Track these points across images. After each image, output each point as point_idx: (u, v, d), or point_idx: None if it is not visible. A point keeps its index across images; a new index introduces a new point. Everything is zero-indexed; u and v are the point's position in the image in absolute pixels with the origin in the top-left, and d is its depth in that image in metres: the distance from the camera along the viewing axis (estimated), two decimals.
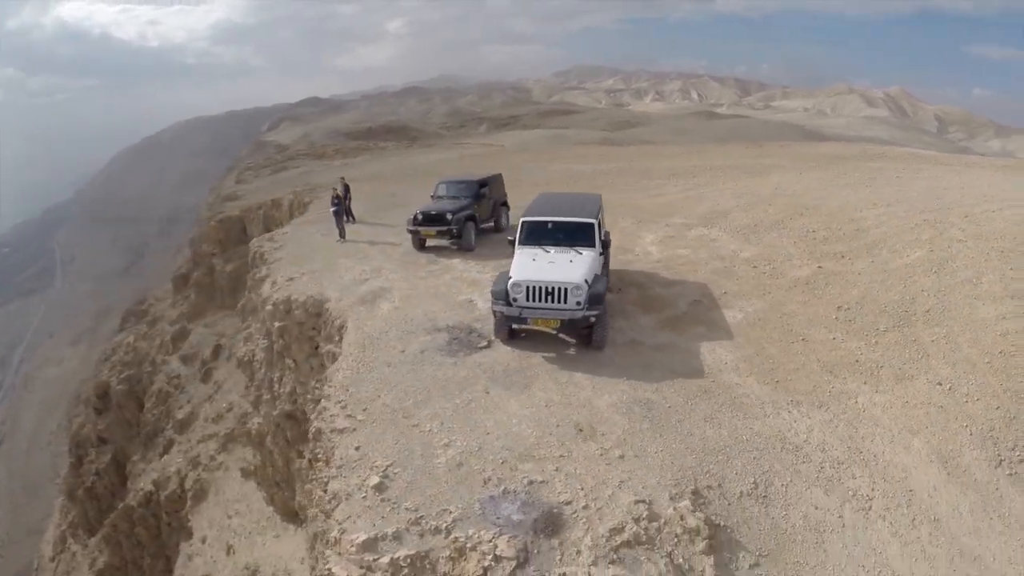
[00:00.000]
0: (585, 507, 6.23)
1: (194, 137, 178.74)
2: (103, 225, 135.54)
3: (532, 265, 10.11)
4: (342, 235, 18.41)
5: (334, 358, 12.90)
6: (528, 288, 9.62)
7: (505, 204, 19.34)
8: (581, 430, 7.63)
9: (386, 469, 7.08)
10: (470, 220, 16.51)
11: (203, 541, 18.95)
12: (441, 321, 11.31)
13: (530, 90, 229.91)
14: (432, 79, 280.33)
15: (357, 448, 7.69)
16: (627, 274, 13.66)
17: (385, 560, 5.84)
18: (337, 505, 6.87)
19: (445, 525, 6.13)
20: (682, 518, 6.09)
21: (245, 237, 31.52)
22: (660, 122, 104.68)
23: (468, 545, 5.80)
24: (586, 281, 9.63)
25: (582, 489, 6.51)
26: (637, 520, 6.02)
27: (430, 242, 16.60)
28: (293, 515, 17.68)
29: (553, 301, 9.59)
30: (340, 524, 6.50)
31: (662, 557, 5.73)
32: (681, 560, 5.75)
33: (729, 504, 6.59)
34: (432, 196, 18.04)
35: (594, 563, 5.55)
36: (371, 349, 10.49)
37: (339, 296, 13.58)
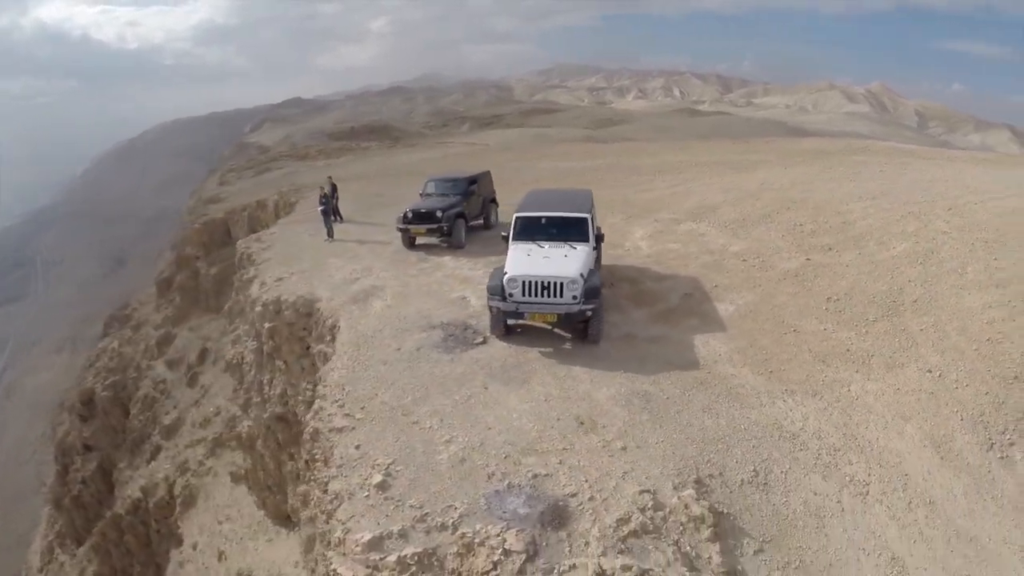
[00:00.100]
0: (591, 498, 6.26)
1: (176, 139, 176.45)
2: (85, 230, 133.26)
3: (527, 260, 10.12)
4: (330, 234, 18.29)
5: (326, 358, 12.80)
6: (524, 283, 9.64)
7: (494, 201, 19.35)
8: (582, 423, 7.66)
9: (388, 467, 7.04)
10: (460, 217, 16.49)
11: (194, 548, 18.71)
12: (435, 318, 11.29)
13: (512, 89, 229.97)
14: (415, 78, 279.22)
15: (357, 447, 7.63)
16: (618, 269, 13.73)
17: (392, 559, 5.80)
18: (339, 505, 6.80)
19: (451, 521, 6.10)
20: (686, 506, 6.15)
21: (229, 239, 31.17)
22: (643, 120, 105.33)
23: (476, 540, 5.79)
24: (581, 275, 9.67)
25: (586, 481, 6.54)
26: (643, 510, 6.06)
27: (420, 240, 16.56)
28: (286, 519, 17.51)
29: (549, 296, 9.62)
30: (343, 524, 6.44)
31: (669, 545, 5.77)
32: (688, 548, 5.81)
33: (731, 492, 6.66)
34: (421, 194, 17.99)
35: (603, 553, 5.58)
36: (366, 348, 10.43)
37: (330, 295, 13.49)
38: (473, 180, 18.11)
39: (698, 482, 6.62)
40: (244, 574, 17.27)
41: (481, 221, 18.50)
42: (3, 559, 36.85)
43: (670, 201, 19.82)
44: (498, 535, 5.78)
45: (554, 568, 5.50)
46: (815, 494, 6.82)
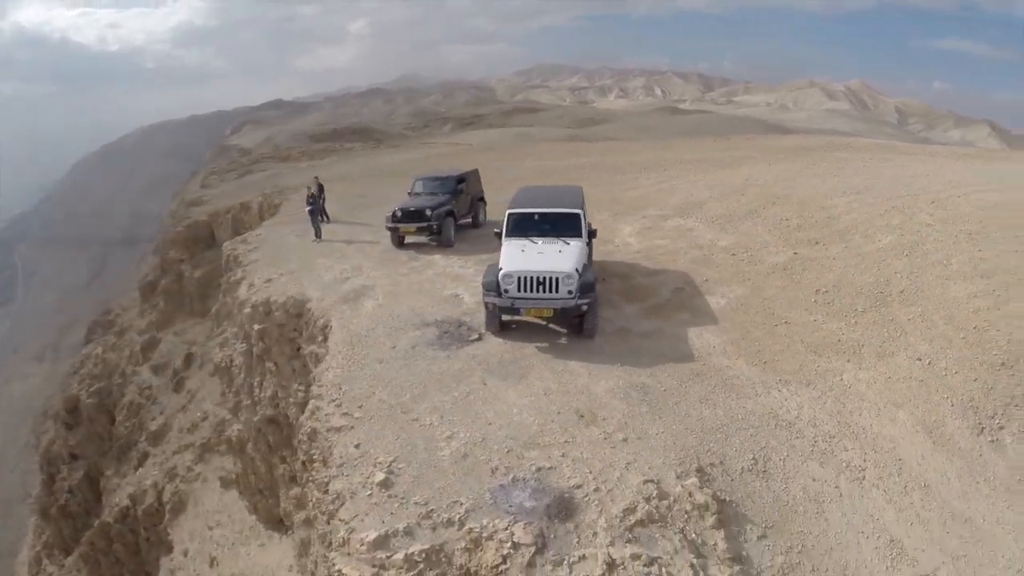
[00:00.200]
0: (596, 490, 6.30)
1: (156, 142, 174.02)
2: (66, 236, 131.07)
3: (522, 256, 10.15)
4: (318, 235, 18.17)
5: (318, 359, 12.70)
6: (519, 279, 9.66)
7: (482, 200, 19.34)
8: (582, 416, 7.70)
9: (390, 465, 7.01)
10: (449, 216, 16.47)
11: (185, 555, 18.45)
12: (429, 316, 11.27)
13: (494, 89, 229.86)
14: (395, 79, 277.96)
15: (357, 446, 7.59)
16: (609, 265, 13.80)
17: (399, 556, 5.77)
18: (342, 505, 6.75)
19: (458, 517, 6.10)
20: (690, 495, 6.22)
21: (214, 242, 30.79)
22: (624, 119, 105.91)
23: (484, 535, 5.79)
24: (576, 270, 9.72)
25: (590, 473, 6.58)
26: (648, 499, 6.11)
27: (409, 239, 16.52)
28: (278, 523, 17.33)
29: (545, 291, 9.65)
30: (347, 524, 6.39)
31: (675, 533, 5.83)
32: (694, 535, 5.87)
33: (732, 480, 6.75)
34: (409, 193, 17.93)
35: (611, 543, 5.62)
36: (360, 347, 10.38)
37: (321, 296, 13.40)
38: (461, 179, 18.10)
39: (700, 471, 6.70)
40: None
41: (470, 220, 18.49)
42: None
43: (656, 198, 19.95)
44: (506, 529, 5.79)
45: (564, 559, 5.53)
46: (813, 480, 6.93)
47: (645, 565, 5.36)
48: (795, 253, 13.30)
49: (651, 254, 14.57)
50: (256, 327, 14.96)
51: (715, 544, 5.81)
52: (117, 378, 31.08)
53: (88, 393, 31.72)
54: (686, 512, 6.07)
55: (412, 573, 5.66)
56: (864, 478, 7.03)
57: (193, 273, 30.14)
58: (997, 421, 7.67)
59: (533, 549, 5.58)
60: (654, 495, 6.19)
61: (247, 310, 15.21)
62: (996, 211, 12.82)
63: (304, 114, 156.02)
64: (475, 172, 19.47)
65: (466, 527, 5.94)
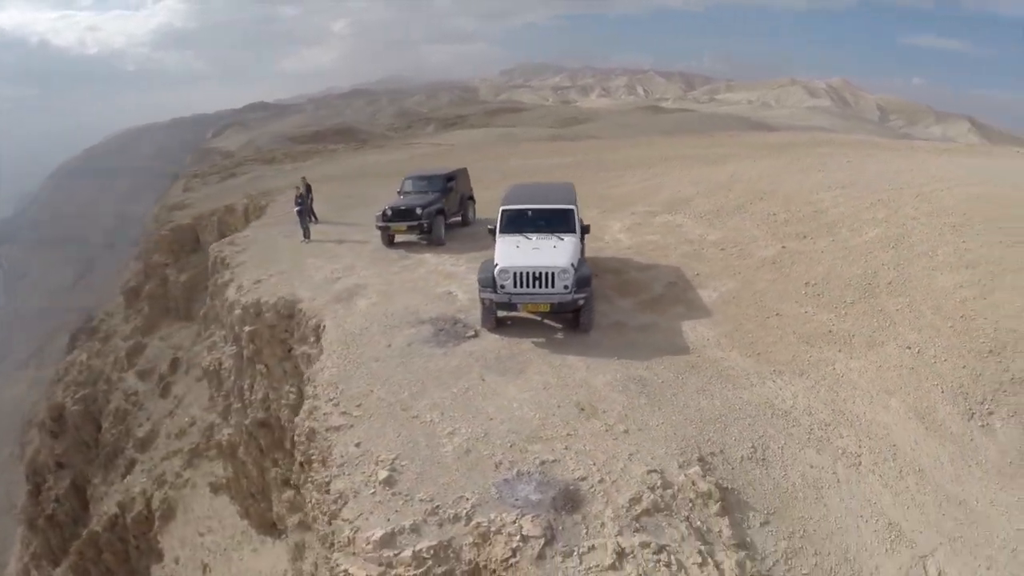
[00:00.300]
0: (600, 481, 6.34)
1: (138, 146, 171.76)
2: (48, 242, 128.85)
3: (517, 252, 10.19)
4: (307, 235, 18.05)
5: (310, 360, 12.63)
6: (515, 274, 9.69)
7: (471, 198, 19.34)
8: (583, 409, 7.75)
9: (392, 462, 6.99)
10: (440, 214, 16.46)
11: (176, 562, 18.23)
12: (423, 314, 11.25)
13: (476, 89, 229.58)
14: (377, 80, 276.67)
15: (357, 444, 7.56)
16: (601, 260, 13.88)
17: (407, 554, 5.75)
18: (344, 504, 6.69)
19: (464, 512, 6.10)
20: (694, 483, 6.29)
21: (198, 245, 30.45)
22: (607, 118, 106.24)
23: (492, 529, 5.80)
24: (572, 265, 9.78)
25: (594, 464, 6.62)
26: (652, 489, 6.18)
27: (400, 238, 16.48)
28: (271, 527, 17.18)
29: (541, 286, 9.70)
30: (351, 523, 6.34)
31: (681, 521, 5.90)
32: (699, 523, 5.94)
33: (733, 468, 6.84)
34: (399, 192, 17.89)
35: (620, 533, 5.66)
36: (355, 346, 10.34)
37: (312, 296, 13.31)
38: (451, 177, 18.09)
39: (701, 460, 6.79)
40: None
41: (459, 218, 18.48)
42: None
43: (643, 194, 20.09)
44: (514, 522, 5.80)
45: (574, 550, 5.56)
46: (811, 467, 7.04)
47: (654, 553, 5.42)
48: (783, 247, 13.46)
49: (642, 250, 14.68)
50: (246, 329, 14.80)
51: (720, 531, 5.89)
52: (102, 385, 30.61)
53: (73, 400, 31.22)
54: (690, 500, 6.15)
55: (420, 570, 5.65)
56: (860, 464, 7.16)
57: (178, 277, 29.78)
58: (987, 407, 7.85)
59: (542, 541, 5.60)
60: (658, 484, 6.25)
61: (237, 312, 15.05)
62: (979, 203, 13.08)
63: (286, 116, 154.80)
64: (464, 171, 19.47)
65: (473, 522, 5.94)
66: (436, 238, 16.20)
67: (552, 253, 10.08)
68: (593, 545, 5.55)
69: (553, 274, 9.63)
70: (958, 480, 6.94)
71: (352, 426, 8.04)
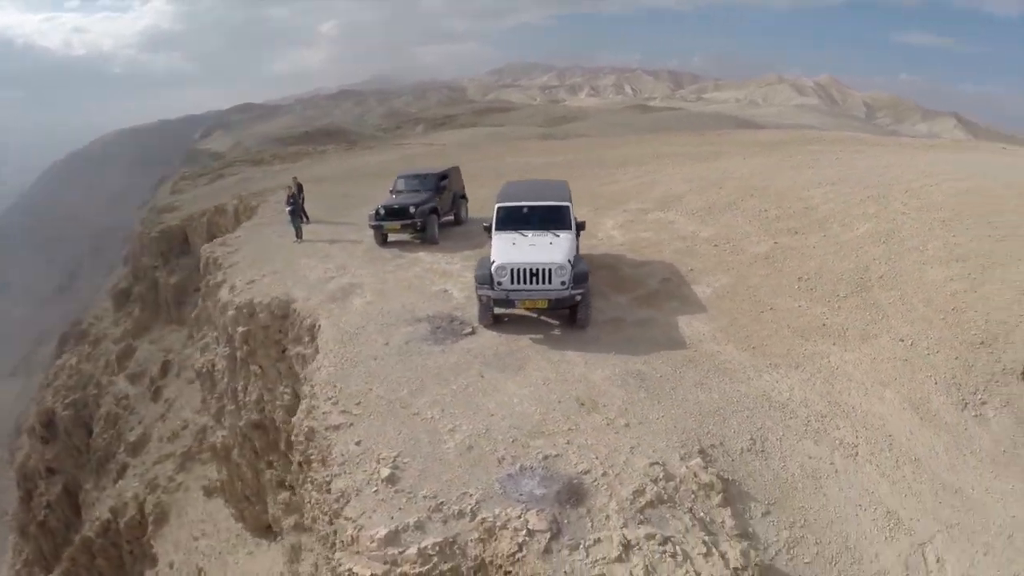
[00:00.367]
0: (604, 474, 6.38)
1: (125, 149, 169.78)
2: (35, 246, 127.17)
3: (513, 248, 10.21)
4: (299, 235, 17.93)
5: (305, 359, 12.57)
6: (512, 271, 9.72)
7: (464, 197, 19.33)
8: (583, 404, 7.79)
9: (394, 460, 6.97)
10: (433, 213, 16.43)
11: (171, 567, 18.07)
12: (420, 312, 11.24)
13: (465, 89, 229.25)
14: (366, 81, 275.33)
15: (358, 443, 7.54)
16: (595, 257, 13.92)
17: (412, 551, 5.74)
18: (347, 503, 6.66)
19: (469, 508, 6.11)
20: (695, 475, 6.35)
21: (188, 247, 30.21)
22: (596, 116, 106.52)
23: (497, 524, 5.81)
24: (569, 261, 9.82)
25: (596, 458, 6.66)
26: (655, 481, 6.22)
27: (393, 237, 16.42)
28: (266, 529, 17.08)
29: (538, 283, 9.73)
30: (354, 522, 6.31)
31: (685, 512, 5.95)
32: (702, 514, 5.99)
33: (733, 460, 6.91)
34: (391, 191, 17.84)
35: (625, 525, 5.70)
36: (352, 344, 10.30)
37: (307, 295, 13.24)
38: (443, 176, 18.06)
39: (702, 452, 6.86)
40: None
41: (452, 217, 18.46)
42: None
43: (636, 192, 20.16)
44: (519, 517, 5.82)
45: (580, 543, 5.59)
46: (809, 458, 7.13)
47: (660, 544, 5.46)
48: (776, 243, 13.58)
49: (635, 246, 14.75)
50: (240, 330, 14.70)
51: (723, 521, 5.95)
52: (93, 389, 30.30)
53: (63, 405, 30.88)
54: (693, 492, 6.21)
55: (426, 567, 5.64)
56: (857, 454, 7.25)
57: (168, 279, 29.52)
58: (979, 396, 7.98)
59: (548, 535, 5.63)
60: (661, 477, 6.30)
61: (230, 312, 14.94)
62: (968, 198, 13.28)
63: (275, 117, 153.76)
64: (456, 169, 19.46)
65: (479, 517, 5.95)
66: (430, 237, 16.17)
67: (549, 249, 10.11)
68: (599, 538, 5.59)
69: (550, 270, 9.66)
70: (953, 469, 7.05)
71: (352, 424, 8.02)
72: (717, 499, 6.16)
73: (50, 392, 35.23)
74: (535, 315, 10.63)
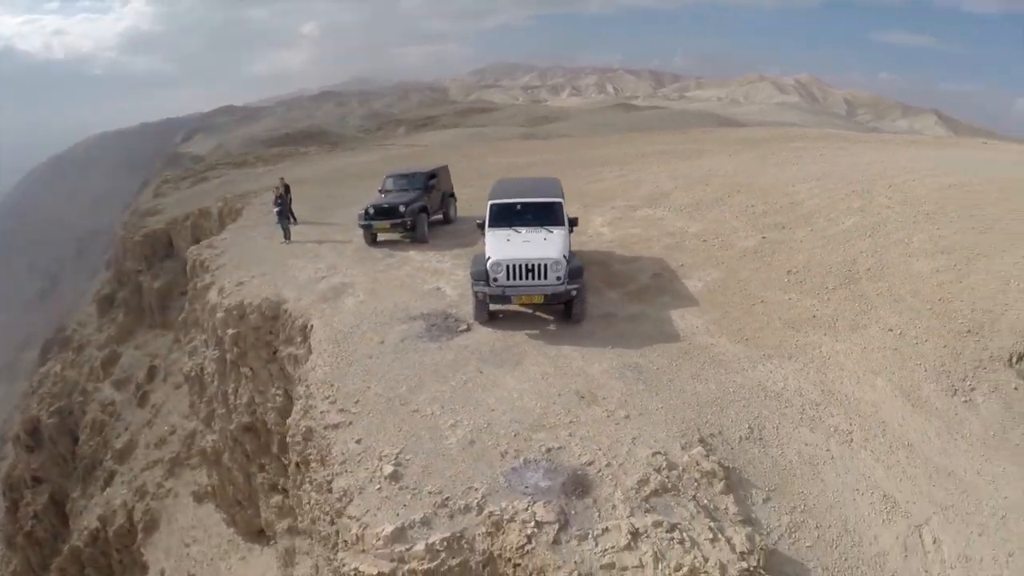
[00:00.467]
0: (607, 465, 6.44)
1: (106, 152, 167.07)
2: (17, 250, 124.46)
3: (508, 245, 10.25)
4: (287, 236, 17.79)
5: (297, 360, 12.49)
6: (508, 267, 9.76)
7: (452, 196, 19.33)
8: (583, 397, 7.85)
9: (397, 457, 6.97)
10: (423, 212, 16.41)
11: (161, 574, 17.81)
12: (414, 310, 11.23)
13: (447, 90, 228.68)
14: (346, 82, 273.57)
15: (358, 441, 7.51)
16: (585, 254, 13.97)
17: (420, 547, 5.74)
18: (350, 502, 6.63)
19: (475, 502, 6.13)
20: (697, 464, 6.44)
21: (172, 251, 29.82)
22: (578, 116, 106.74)
23: (505, 517, 5.83)
24: (564, 256, 9.88)
25: (599, 449, 6.72)
26: (658, 470, 6.30)
27: (382, 236, 16.38)
28: (258, 534, 16.93)
29: (533, 278, 9.78)
30: (358, 520, 6.28)
31: (689, 500, 6.03)
32: (706, 501, 6.08)
33: (732, 449, 7.02)
34: (380, 191, 17.78)
35: (631, 514, 5.76)
36: (346, 343, 10.26)
37: (297, 296, 13.16)
38: (432, 175, 18.05)
39: (702, 441, 6.95)
40: None
41: (441, 216, 18.46)
42: None
43: (622, 190, 20.30)
44: (527, 509, 5.85)
45: (588, 533, 5.64)
46: (806, 445, 7.25)
47: (667, 531, 5.53)
48: (763, 237, 13.76)
49: (625, 243, 14.86)
50: (229, 332, 14.55)
51: (726, 508, 6.04)
52: (78, 396, 29.78)
53: (48, 413, 30.31)
54: (696, 480, 6.29)
55: (434, 563, 5.64)
56: (852, 440, 7.39)
57: (152, 284, 29.10)
58: (968, 383, 8.17)
59: (557, 526, 5.66)
60: (664, 466, 6.38)
61: (219, 315, 14.79)
62: (950, 192, 13.58)
63: (256, 119, 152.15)
64: (445, 168, 19.46)
65: (485, 511, 5.96)
66: (420, 235, 16.15)
67: (543, 245, 10.17)
68: (607, 527, 5.64)
69: (546, 266, 9.72)
70: (946, 453, 7.21)
71: (351, 423, 7.99)
72: (719, 486, 6.25)
73: (35, 400, 34.54)
74: (530, 311, 10.68)
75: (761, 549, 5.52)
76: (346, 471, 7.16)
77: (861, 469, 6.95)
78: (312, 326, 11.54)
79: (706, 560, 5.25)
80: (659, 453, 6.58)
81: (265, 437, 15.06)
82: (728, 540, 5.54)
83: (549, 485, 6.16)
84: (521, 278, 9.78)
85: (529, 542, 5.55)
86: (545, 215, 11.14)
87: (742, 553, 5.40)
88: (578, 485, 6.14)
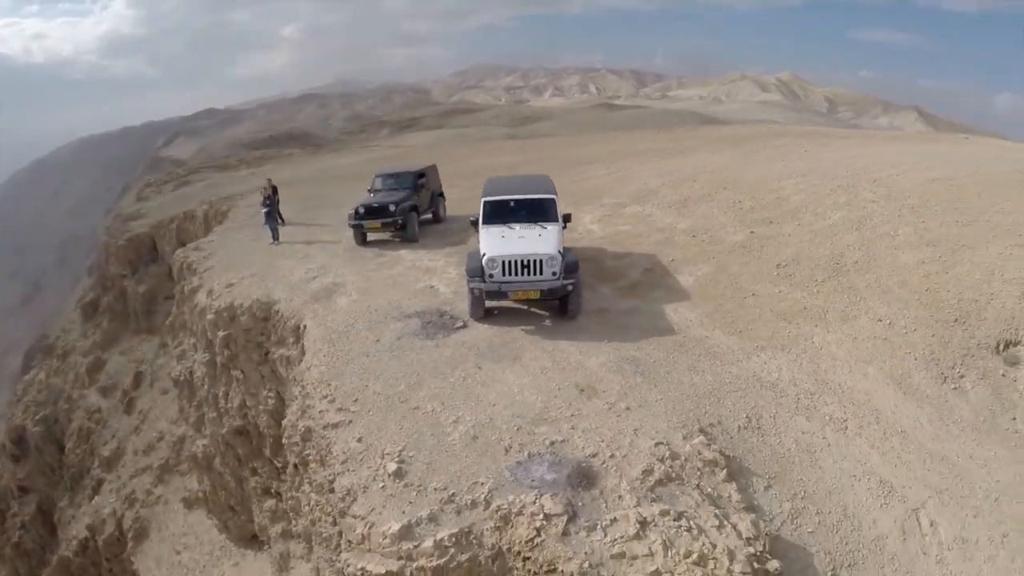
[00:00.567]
0: (611, 456, 6.51)
1: (88, 157, 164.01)
2: None
3: (503, 241, 10.29)
4: (276, 237, 17.67)
5: (289, 361, 12.41)
6: (504, 263, 9.79)
7: (442, 195, 19.32)
8: (582, 390, 7.91)
9: (400, 454, 6.96)
10: (413, 211, 16.38)
11: None
12: (407, 308, 11.21)
13: (429, 91, 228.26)
14: (329, 84, 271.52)
15: (359, 439, 7.49)
16: (576, 250, 13.88)
17: (428, 544, 5.74)
18: (354, 501, 6.60)
19: (482, 497, 6.14)
20: (699, 453, 6.52)
21: (157, 255, 29.42)
22: (561, 116, 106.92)
23: (513, 511, 5.86)
24: (559, 252, 9.94)
25: (602, 441, 6.78)
26: (662, 460, 6.37)
27: (372, 235, 16.33)
28: (251, 539, 16.77)
29: (529, 274, 9.82)
30: (364, 519, 6.26)
31: (693, 489, 6.11)
32: (710, 489, 6.17)
33: (732, 438, 7.12)
34: (369, 190, 17.73)
35: (638, 504, 5.83)
36: (341, 342, 10.22)
37: (289, 296, 13.06)
38: (421, 174, 18.02)
39: (702, 431, 7.04)
40: None
41: (431, 215, 18.44)
42: None
43: (610, 187, 20.41)
44: (534, 502, 5.89)
45: (597, 524, 5.69)
46: (803, 433, 7.38)
47: (674, 520, 5.60)
48: (752, 232, 13.91)
49: (615, 239, 14.96)
50: (219, 334, 14.39)
51: (729, 496, 6.13)
52: (63, 403, 29.25)
53: (34, 422, 29.74)
54: (698, 469, 6.38)
55: (443, 560, 5.64)
56: (847, 428, 7.53)
57: (137, 288, 28.67)
58: (957, 371, 8.36)
59: (565, 518, 5.71)
60: (667, 456, 6.46)
61: (209, 317, 14.63)
62: (934, 186, 13.83)
63: (238, 122, 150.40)
64: (434, 167, 19.45)
65: (493, 506, 5.98)
66: (410, 235, 16.12)
67: (538, 241, 10.22)
68: (615, 517, 5.70)
69: (541, 261, 9.77)
70: (938, 439, 7.37)
71: (351, 422, 7.96)
72: (722, 475, 6.35)
73: (19, 408, 33.85)
74: (525, 307, 10.71)
75: (766, 535, 5.62)
76: (348, 470, 7.12)
77: (857, 456, 7.09)
78: (305, 326, 11.47)
79: (714, 546, 5.33)
80: (661, 443, 6.66)
81: (257, 440, 14.92)
82: (734, 527, 5.63)
83: (555, 478, 6.20)
84: (517, 274, 9.82)
85: (538, 535, 5.58)
86: (539, 211, 11.20)
87: (748, 539, 5.49)
88: (584, 477, 6.19)
